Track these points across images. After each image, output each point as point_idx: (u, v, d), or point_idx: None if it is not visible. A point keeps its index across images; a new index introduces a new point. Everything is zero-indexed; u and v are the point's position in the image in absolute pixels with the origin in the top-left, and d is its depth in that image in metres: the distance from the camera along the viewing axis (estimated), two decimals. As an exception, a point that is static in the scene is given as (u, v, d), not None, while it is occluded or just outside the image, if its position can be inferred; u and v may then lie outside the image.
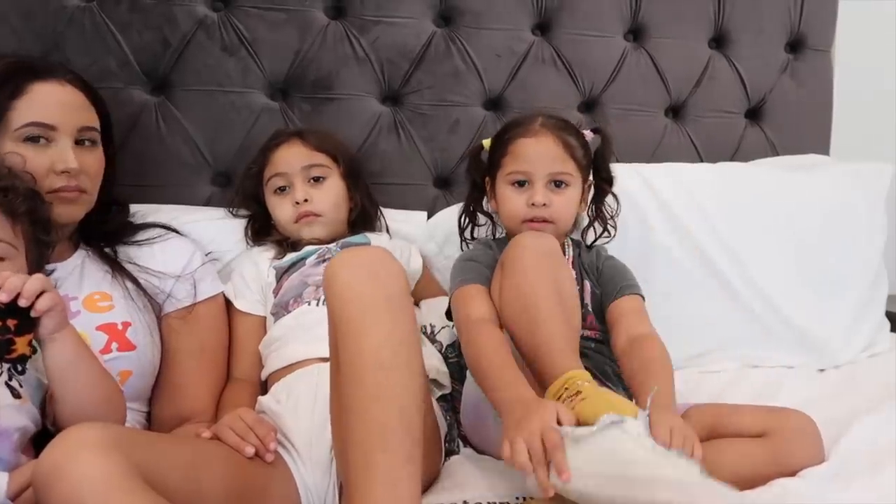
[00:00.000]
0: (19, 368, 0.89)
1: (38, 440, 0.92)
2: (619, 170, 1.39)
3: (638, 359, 1.13)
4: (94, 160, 1.14)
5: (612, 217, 1.35)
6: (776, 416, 1.08)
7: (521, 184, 1.25)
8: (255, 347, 1.26)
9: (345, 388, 0.88)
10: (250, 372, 1.25)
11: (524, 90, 1.58)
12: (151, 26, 1.39)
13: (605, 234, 1.35)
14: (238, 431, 1.00)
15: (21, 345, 0.87)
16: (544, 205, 1.23)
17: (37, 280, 0.87)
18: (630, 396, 1.09)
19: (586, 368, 1.19)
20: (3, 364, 0.87)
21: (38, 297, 0.87)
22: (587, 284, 1.28)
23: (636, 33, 1.65)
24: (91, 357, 0.94)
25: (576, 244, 1.33)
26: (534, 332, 1.05)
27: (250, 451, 0.98)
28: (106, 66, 1.36)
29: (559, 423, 0.91)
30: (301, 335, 1.18)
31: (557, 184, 1.24)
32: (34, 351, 0.89)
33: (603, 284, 1.28)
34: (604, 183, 1.33)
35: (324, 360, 1.02)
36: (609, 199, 1.34)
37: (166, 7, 1.39)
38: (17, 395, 0.88)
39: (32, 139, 1.08)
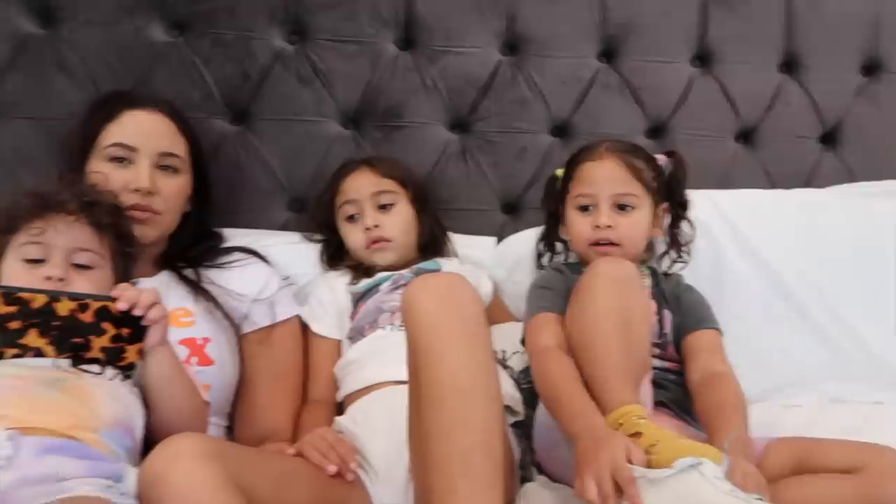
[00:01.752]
0: (128, 374, 0.94)
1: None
2: (689, 196, 1.38)
3: (712, 398, 1.12)
4: (173, 185, 1.20)
5: (686, 244, 1.34)
6: (868, 451, 1.03)
7: (586, 208, 1.26)
8: (331, 370, 1.29)
9: (425, 414, 0.90)
10: (326, 394, 1.28)
11: (590, 117, 1.59)
12: (232, 59, 1.46)
13: (680, 261, 1.34)
14: (321, 450, 1.03)
15: (131, 353, 0.93)
16: (609, 227, 1.23)
17: (151, 292, 0.93)
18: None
19: (665, 401, 1.19)
20: (115, 369, 0.93)
21: (149, 308, 0.92)
22: (666, 314, 1.27)
23: (703, 58, 1.64)
24: (185, 373, 1.00)
25: (653, 272, 1.32)
26: (592, 361, 1.05)
27: (332, 469, 1.00)
28: (190, 98, 1.43)
29: (629, 461, 0.90)
30: (377, 359, 1.21)
31: (623, 206, 1.24)
32: (140, 360, 0.94)
33: (681, 314, 1.27)
34: (678, 208, 1.32)
35: (399, 383, 1.04)
36: (685, 225, 1.33)
37: (246, 41, 1.46)
38: (131, 394, 0.94)
39: (117, 159, 1.16)
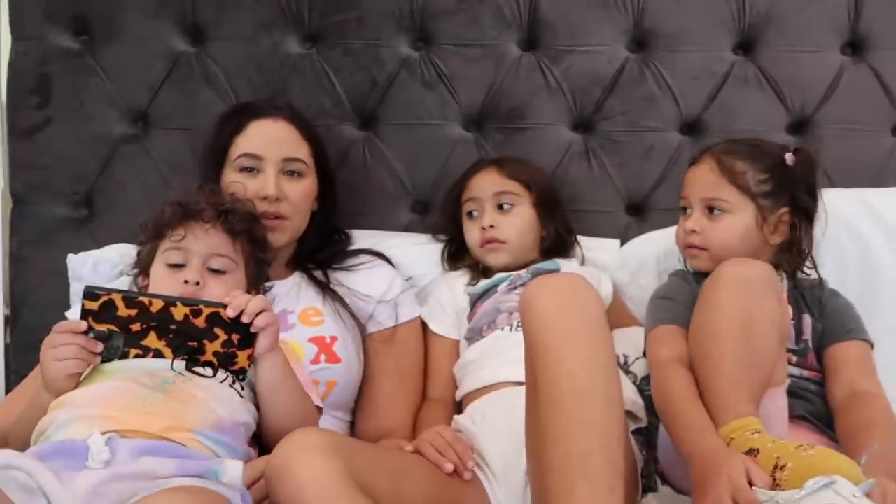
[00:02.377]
0: (240, 377, 0.99)
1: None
2: (836, 195, 1.30)
3: (857, 417, 1.06)
4: (299, 189, 1.25)
5: (807, 253, 1.24)
6: None
7: (685, 210, 1.24)
8: (450, 369, 1.31)
9: (543, 415, 0.89)
10: (444, 393, 1.30)
11: (724, 113, 1.51)
12: (361, 67, 1.51)
13: (801, 271, 1.25)
14: (438, 447, 1.04)
15: (242, 358, 0.98)
16: (694, 231, 1.20)
17: (258, 300, 0.97)
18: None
19: (804, 415, 1.13)
20: (227, 372, 0.98)
21: (257, 315, 0.96)
22: (806, 318, 1.20)
23: (855, 46, 1.52)
24: (295, 379, 1.03)
25: (790, 275, 1.25)
26: (705, 370, 1.01)
27: (449, 467, 1.02)
28: (322, 105, 1.50)
29: (751, 483, 0.85)
30: (495, 359, 1.22)
31: (712, 210, 1.20)
32: (251, 364, 0.99)
33: (825, 321, 1.20)
34: (799, 213, 1.23)
35: (517, 384, 1.04)
36: (815, 230, 1.25)
37: (374, 49, 1.51)
38: (240, 396, 0.99)
39: (246, 169, 1.23)
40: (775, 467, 0.86)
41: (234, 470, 0.87)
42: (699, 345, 1.04)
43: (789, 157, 1.23)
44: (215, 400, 0.95)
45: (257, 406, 1.01)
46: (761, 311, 1.03)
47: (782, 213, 1.21)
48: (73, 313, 1.26)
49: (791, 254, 1.23)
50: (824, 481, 0.81)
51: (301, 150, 1.27)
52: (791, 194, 1.21)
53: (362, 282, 1.29)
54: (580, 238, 1.45)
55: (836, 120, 1.51)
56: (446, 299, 1.36)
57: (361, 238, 1.41)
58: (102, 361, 0.96)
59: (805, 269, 1.26)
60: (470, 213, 1.38)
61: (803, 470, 0.85)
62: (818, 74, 1.51)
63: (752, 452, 0.89)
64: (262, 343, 0.97)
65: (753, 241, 1.21)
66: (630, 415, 1.19)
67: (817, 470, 0.84)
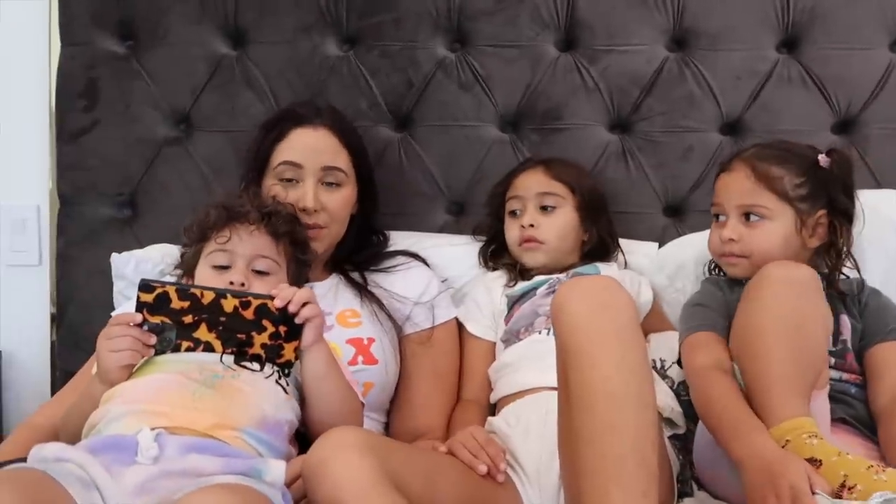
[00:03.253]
0: (286, 371, 1.01)
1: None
2: (883, 196, 1.27)
3: None
4: (337, 199, 1.25)
5: (841, 253, 1.21)
6: None
7: (718, 218, 1.23)
8: (485, 371, 1.31)
9: (575, 417, 0.89)
10: (479, 394, 1.30)
11: (767, 112, 1.48)
12: (398, 69, 1.52)
13: (839, 273, 1.22)
14: (471, 449, 1.05)
15: (288, 351, 1.00)
16: (732, 239, 1.18)
17: (304, 291, 0.99)
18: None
19: (846, 418, 1.11)
20: (274, 366, 1.00)
21: (302, 306, 0.98)
22: (844, 319, 1.18)
23: (905, 43, 1.48)
24: (340, 373, 1.04)
25: (824, 277, 1.21)
26: (754, 368, 0.99)
27: (483, 468, 1.02)
28: (358, 107, 1.51)
29: (812, 490, 0.84)
30: (532, 363, 1.21)
31: (749, 217, 1.19)
32: (296, 358, 1.01)
33: (866, 320, 1.18)
34: (838, 215, 1.20)
35: (553, 388, 1.03)
36: (852, 232, 1.22)
37: (411, 51, 1.52)
38: (285, 392, 1.00)
39: (286, 179, 1.24)
40: (843, 486, 0.85)
41: (276, 469, 0.88)
42: (746, 345, 1.02)
43: (822, 159, 1.21)
44: (261, 395, 0.96)
45: (301, 405, 1.02)
46: (812, 314, 1.02)
47: (820, 216, 1.19)
48: (118, 313, 1.29)
49: (829, 255, 1.21)
50: (890, 496, 0.80)
51: (340, 158, 1.27)
52: (828, 196, 1.19)
53: (399, 283, 1.30)
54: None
55: (884, 119, 1.48)
56: (483, 301, 1.36)
57: (398, 239, 1.42)
58: (155, 354, 0.98)
59: (844, 271, 1.23)
60: (513, 212, 1.38)
61: (868, 486, 0.83)
62: (865, 73, 1.48)
63: (813, 462, 0.87)
64: (307, 334, 0.99)
65: (793, 246, 1.19)
66: (668, 422, 1.19)
67: (881, 484, 0.83)
